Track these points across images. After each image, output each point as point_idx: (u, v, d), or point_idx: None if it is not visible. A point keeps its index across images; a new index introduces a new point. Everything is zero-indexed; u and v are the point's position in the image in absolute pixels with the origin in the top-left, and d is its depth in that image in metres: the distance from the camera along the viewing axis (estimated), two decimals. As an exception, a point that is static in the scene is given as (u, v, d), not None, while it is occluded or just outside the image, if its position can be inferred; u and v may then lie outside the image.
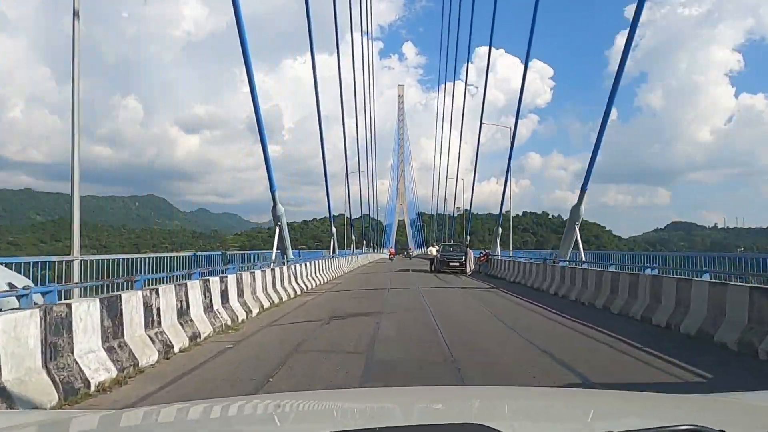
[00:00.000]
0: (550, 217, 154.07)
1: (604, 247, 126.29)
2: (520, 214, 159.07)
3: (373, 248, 66.33)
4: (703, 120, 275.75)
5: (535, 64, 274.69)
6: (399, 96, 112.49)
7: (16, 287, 5.12)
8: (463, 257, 25.88)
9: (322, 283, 18.78)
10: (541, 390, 2.53)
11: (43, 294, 5.16)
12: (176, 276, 8.97)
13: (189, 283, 7.67)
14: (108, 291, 6.98)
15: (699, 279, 8.57)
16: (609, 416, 1.65)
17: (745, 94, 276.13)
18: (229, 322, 8.71)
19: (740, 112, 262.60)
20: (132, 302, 5.98)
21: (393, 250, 60.78)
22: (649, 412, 1.69)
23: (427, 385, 4.88)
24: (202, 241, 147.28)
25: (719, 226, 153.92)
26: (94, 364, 5.04)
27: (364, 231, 49.43)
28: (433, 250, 27.12)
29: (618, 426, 1.23)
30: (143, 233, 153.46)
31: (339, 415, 1.73)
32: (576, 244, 15.95)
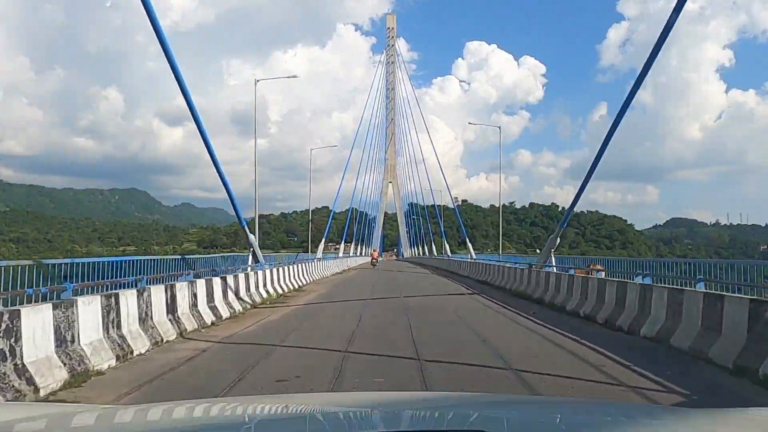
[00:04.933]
0: (560, 209, 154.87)
1: (630, 243, 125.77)
2: (527, 206, 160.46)
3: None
4: (693, 117, 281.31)
5: (527, 61, 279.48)
6: (388, 29, 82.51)
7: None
8: None
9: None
10: (543, 399, 2.73)
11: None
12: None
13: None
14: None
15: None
16: (607, 428, 1.75)
17: (735, 90, 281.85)
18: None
19: (730, 109, 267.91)
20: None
21: (376, 253, 53.39)
22: (655, 426, 1.80)
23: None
24: (174, 236, 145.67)
25: (721, 223, 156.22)
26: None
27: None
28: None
29: None
30: (103, 227, 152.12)
31: (341, 420, 1.89)
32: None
